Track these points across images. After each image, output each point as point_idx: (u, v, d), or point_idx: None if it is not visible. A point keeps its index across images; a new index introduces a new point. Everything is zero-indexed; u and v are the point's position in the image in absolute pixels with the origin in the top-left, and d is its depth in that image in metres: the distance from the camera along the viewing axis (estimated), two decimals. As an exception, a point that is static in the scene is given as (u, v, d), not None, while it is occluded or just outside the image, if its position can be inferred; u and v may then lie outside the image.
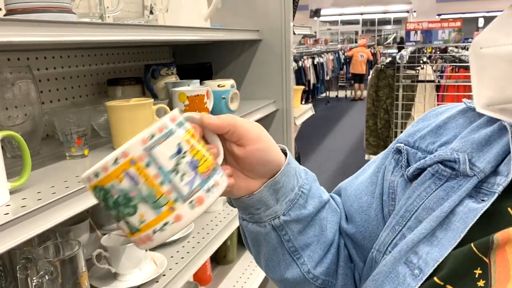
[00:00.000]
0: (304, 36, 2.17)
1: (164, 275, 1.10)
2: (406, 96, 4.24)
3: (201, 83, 1.46)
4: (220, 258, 1.83)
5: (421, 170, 0.52)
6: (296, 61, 8.73)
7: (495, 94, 0.44)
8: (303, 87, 2.23)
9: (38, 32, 0.74)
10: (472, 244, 0.42)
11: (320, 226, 0.60)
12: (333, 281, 0.61)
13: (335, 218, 0.62)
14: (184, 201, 0.42)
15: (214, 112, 1.45)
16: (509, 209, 0.43)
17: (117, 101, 1.06)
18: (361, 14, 22.11)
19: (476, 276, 0.41)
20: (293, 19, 1.84)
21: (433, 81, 4.21)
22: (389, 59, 5.27)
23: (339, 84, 13.72)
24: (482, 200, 0.45)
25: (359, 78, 11.66)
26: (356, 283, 0.62)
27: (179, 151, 0.43)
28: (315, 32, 16.05)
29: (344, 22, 23.14)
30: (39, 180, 0.82)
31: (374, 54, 14.72)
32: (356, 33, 21.84)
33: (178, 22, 1.36)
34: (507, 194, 0.44)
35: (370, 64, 13.43)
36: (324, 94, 12.08)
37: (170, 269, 1.13)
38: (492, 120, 0.49)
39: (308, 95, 10.06)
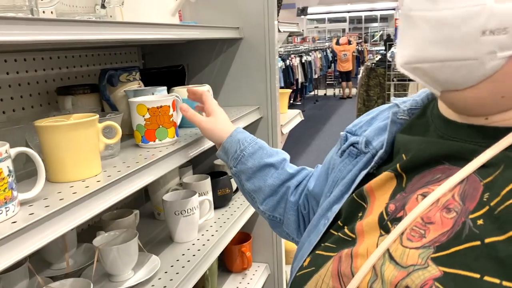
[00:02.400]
0: (291, 33, 1.95)
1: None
2: (398, 95, 4.06)
3: (169, 90, 1.24)
4: None
5: (344, 151, 0.72)
6: (283, 60, 8.51)
7: (413, 53, 0.50)
8: (290, 90, 2.01)
9: None
10: (353, 194, 0.63)
11: (262, 179, 0.92)
12: (282, 218, 0.92)
13: (281, 176, 0.91)
14: None
15: (185, 124, 1.23)
16: (383, 172, 0.61)
17: (52, 118, 0.83)
18: (348, 12, 21.98)
19: (359, 216, 0.60)
20: (278, 16, 1.62)
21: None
22: (378, 57, 5.09)
23: (327, 82, 13.55)
24: (369, 168, 0.64)
25: (346, 76, 11.48)
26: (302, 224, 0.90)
27: None
28: (302, 30, 15.86)
29: (331, 20, 22.98)
30: None
31: (361, 52, 14.58)
32: (343, 30, 21.73)
33: (138, 18, 1.14)
34: (387, 162, 0.64)
35: (358, 60, 13.28)
36: (312, 93, 11.89)
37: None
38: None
39: (297, 94, 9.86)
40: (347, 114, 8.91)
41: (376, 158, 0.64)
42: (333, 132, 7.41)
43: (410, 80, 4.06)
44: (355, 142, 0.70)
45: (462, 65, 0.47)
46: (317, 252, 0.62)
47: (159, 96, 1.10)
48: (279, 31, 1.54)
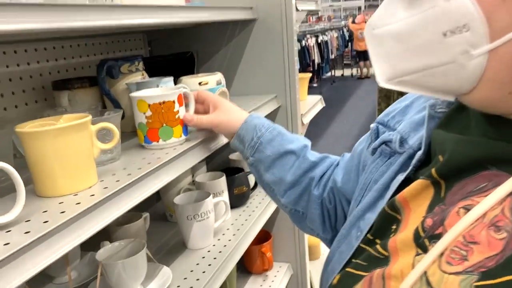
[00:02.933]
0: (308, 12, 1.80)
1: None
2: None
3: (176, 81, 1.11)
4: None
5: (376, 149, 0.63)
6: (299, 40, 8.30)
7: (389, 69, 0.48)
8: (309, 74, 1.86)
9: None
10: (385, 206, 0.55)
11: (283, 168, 0.83)
12: (305, 212, 0.83)
13: (303, 166, 0.82)
14: None
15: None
16: (420, 177, 0.52)
17: (39, 121, 0.71)
18: (364, -12, 21.39)
19: (392, 230, 0.53)
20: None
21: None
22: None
23: (344, 62, 13.22)
24: (406, 172, 0.56)
25: (364, 55, 11.15)
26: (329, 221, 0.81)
27: None
28: (339, 9, 15.48)
29: (347, -2, 22.41)
30: None
31: (378, 30, 14.18)
32: (359, 8, 21.19)
33: (140, 0, 1.00)
34: (425, 165, 0.54)
35: (376, 40, 12.93)
36: (329, 74, 11.63)
37: None
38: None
39: (313, 76, 9.63)
40: (366, 95, 8.66)
41: (414, 161, 0.55)
42: (352, 115, 7.20)
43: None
44: (387, 140, 0.61)
45: (444, 70, 0.44)
46: (347, 269, 0.55)
47: (164, 89, 0.97)
48: (296, 9, 1.39)
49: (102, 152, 0.77)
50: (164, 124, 0.87)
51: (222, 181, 1.24)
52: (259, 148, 0.84)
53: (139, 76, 1.08)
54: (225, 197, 1.25)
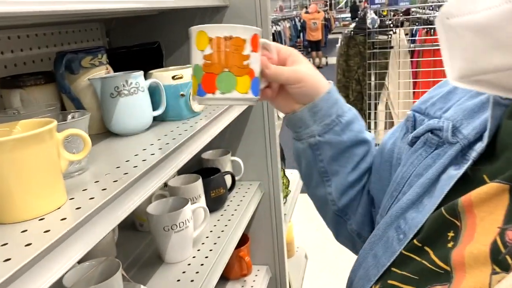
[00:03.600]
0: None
1: None
2: (379, 64, 3.88)
3: (146, 75, 0.98)
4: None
5: (417, 138, 0.55)
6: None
7: (467, 66, 0.41)
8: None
9: None
10: (442, 208, 0.46)
11: (352, 160, 0.68)
12: (351, 215, 0.71)
13: (369, 159, 0.69)
14: None
15: (170, 115, 0.99)
16: (484, 175, 0.44)
17: (-13, 130, 0.57)
18: (312, -22, 21.58)
19: (448, 238, 0.44)
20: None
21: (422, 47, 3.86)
22: (352, 25, 4.87)
23: (296, 52, 13.26)
24: (462, 167, 0.47)
25: (316, 46, 11.22)
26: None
27: None
28: None
29: (296, -12, 22.53)
30: None
31: (328, 19, 14.35)
32: (309, -2, 21.36)
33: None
34: (487, 160, 0.46)
35: (327, 29, 13.08)
36: (282, 64, 11.61)
37: None
38: None
39: (267, 66, 9.57)
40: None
41: (473, 153, 0.47)
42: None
43: (391, 47, 3.88)
44: (436, 128, 0.52)
45: None
46: (391, 282, 0.47)
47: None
48: (271, -4, 1.29)
49: (70, 164, 0.64)
50: (226, 69, 0.62)
51: (199, 184, 1.13)
52: (335, 129, 0.66)
53: (103, 71, 0.95)
54: (202, 202, 1.14)
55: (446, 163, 0.50)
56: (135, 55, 1.16)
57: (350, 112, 0.68)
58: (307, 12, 11.40)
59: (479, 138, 0.48)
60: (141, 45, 1.17)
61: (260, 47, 0.63)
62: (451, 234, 0.44)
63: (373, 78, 3.86)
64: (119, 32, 1.40)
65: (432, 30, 3.86)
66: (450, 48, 0.42)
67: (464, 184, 0.46)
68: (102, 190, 0.63)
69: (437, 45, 3.70)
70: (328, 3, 20.76)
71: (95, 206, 0.58)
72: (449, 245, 0.44)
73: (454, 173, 0.48)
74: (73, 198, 0.61)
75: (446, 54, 0.43)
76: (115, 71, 0.99)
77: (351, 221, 0.71)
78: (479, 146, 0.47)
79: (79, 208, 0.57)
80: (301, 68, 0.65)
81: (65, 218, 0.55)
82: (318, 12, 11.32)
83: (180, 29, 1.36)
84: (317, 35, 11.10)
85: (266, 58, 0.64)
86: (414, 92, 3.83)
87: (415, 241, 0.47)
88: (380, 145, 0.69)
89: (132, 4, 0.84)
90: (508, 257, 0.39)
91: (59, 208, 0.58)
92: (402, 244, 0.48)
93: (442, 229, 0.45)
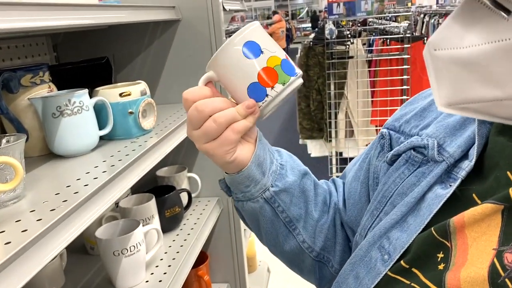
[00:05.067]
0: (236, 12, 1.69)
1: None
2: (338, 74, 3.94)
3: (91, 92, 0.94)
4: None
5: (398, 156, 0.54)
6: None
7: (454, 95, 0.42)
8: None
9: None
10: (432, 229, 0.44)
11: (308, 195, 0.63)
12: (329, 256, 0.66)
13: (321, 191, 0.66)
14: None
15: (118, 134, 0.95)
16: (474, 195, 0.44)
17: None
18: (272, -12, 21.85)
19: (438, 260, 0.43)
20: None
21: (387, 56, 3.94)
22: (312, 35, 4.93)
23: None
24: (450, 186, 0.46)
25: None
26: None
27: None
28: (250, 9, 15.47)
29: (257, -2, 22.73)
30: None
31: (289, 29, 14.55)
32: (269, 9, 21.61)
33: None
34: (474, 179, 0.45)
35: (288, 38, 13.23)
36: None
37: None
38: None
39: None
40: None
41: (462, 172, 0.46)
42: (273, 116, 7.24)
43: (350, 57, 3.96)
44: (419, 146, 0.51)
45: None
46: None
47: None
48: (224, 10, 1.27)
49: (1, 193, 0.59)
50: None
51: (152, 204, 1.09)
52: (282, 173, 0.61)
53: (45, 89, 0.90)
54: (156, 222, 1.10)
55: (432, 182, 0.49)
56: (83, 71, 1.12)
57: (280, 150, 0.64)
58: (271, 24, 11.52)
59: (464, 156, 0.48)
60: (88, 61, 1.12)
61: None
62: (440, 255, 0.43)
63: (332, 88, 3.91)
64: (67, 46, 1.34)
65: (388, 40, 3.96)
66: (436, 77, 0.43)
67: (452, 203, 0.45)
68: (37, 220, 0.59)
69: (393, 55, 3.81)
70: (289, 13, 21.09)
71: (27, 239, 0.53)
72: (440, 267, 0.42)
73: (443, 193, 0.46)
74: (3, 232, 0.56)
75: (433, 82, 0.43)
76: (61, 88, 0.95)
77: (332, 262, 0.66)
78: (467, 165, 0.46)
79: (9, 242, 0.53)
80: None
81: (-8, 256, 0.50)
82: (281, 21, 11.46)
83: (132, 43, 1.32)
84: (281, 44, 11.21)
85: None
86: (372, 101, 3.90)
87: (402, 262, 0.46)
88: (352, 169, 0.67)
89: (79, 20, 0.80)
90: (508, 281, 0.38)
91: (-14, 243, 0.53)
92: (387, 266, 0.47)
93: (431, 250, 0.44)
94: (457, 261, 0.41)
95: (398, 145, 0.55)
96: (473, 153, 0.46)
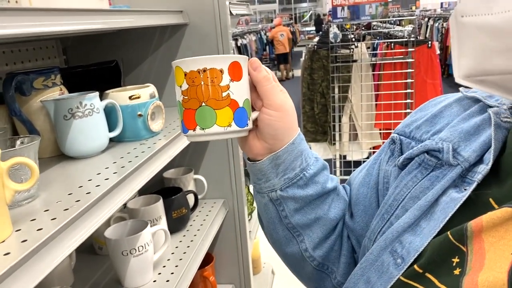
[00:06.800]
0: (242, 16, 1.71)
1: None
2: (342, 77, 3.95)
3: (101, 95, 0.96)
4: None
5: (410, 160, 0.53)
6: (217, 44, 8.22)
7: (475, 65, 0.42)
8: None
9: None
10: (448, 233, 0.43)
11: (322, 210, 0.62)
12: (333, 268, 0.64)
13: (341, 205, 0.64)
14: None
15: (127, 136, 0.97)
16: (490, 199, 0.43)
17: None
18: (277, -8, 21.91)
19: (454, 264, 0.42)
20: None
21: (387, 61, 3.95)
22: (316, 38, 4.96)
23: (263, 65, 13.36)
24: (465, 189, 0.46)
25: (284, 58, 11.34)
26: None
27: None
28: (254, 12, 15.54)
29: (261, 1, 22.82)
30: None
31: (293, 33, 14.56)
32: (274, 12, 21.68)
33: (53, 3, 0.85)
34: (491, 183, 0.45)
35: (292, 42, 13.24)
36: (248, 77, 11.67)
37: None
38: (484, 109, 0.50)
39: (233, 79, 9.59)
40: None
41: (478, 176, 0.46)
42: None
43: (354, 61, 3.97)
44: (433, 149, 0.51)
45: None
46: None
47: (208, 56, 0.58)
48: (231, 14, 1.29)
49: (16, 193, 0.61)
50: (203, 104, 0.56)
51: (160, 205, 1.11)
52: (299, 183, 0.60)
53: (57, 92, 0.92)
54: (163, 223, 1.12)
55: (446, 186, 0.48)
56: (92, 74, 1.14)
57: (317, 163, 0.61)
58: (273, 27, 11.54)
59: (479, 160, 0.47)
60: (98, 64, 1.14)
61: (245, 74, 0.58)
62: (456, 260, 0.42)
63: (336, 91, 3.92)
64: (76, 50, 1.37)
65: (393, 44, 3.97)
66: (460, 46, 0.42)
67: (466, 207, 0.45)
68: (52, 219, 0.60)
69: (397, 59, 3.81)
70: (292, 17, 21.11)
71: (42, 238, 0.55)
72: (456, 272, 0.41)
73: (458, 196, 0.46)
74: (19, 230, 0.58)
75: (455, 52, 0.43)
76: (71, 91, 0.97)
77: (335, 274, 0.64)
78: (483, 168, 0.46)
79: (25, 240, 0.55)
80: (287, 100, 0.59)
81: (8, 253, 0.52)
82: (282, 25, 11.46)
83: (140, 47, 1.34)
84: (282, 49, 11.22)
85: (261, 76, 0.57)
86: (376, 104, 3.91)
87: (415, 266, 0.45)
88: (360, 176, 0.65)
89: (90, 25, 0.82)
90: None
91: (3, 241, 0.55)
92: (400, 270, 0.46)
93: (447, 254, 0.43)
94: (474, 266, 0.41)
95: (409, 150, 0.55)
96: (489, 157, 0.46)
